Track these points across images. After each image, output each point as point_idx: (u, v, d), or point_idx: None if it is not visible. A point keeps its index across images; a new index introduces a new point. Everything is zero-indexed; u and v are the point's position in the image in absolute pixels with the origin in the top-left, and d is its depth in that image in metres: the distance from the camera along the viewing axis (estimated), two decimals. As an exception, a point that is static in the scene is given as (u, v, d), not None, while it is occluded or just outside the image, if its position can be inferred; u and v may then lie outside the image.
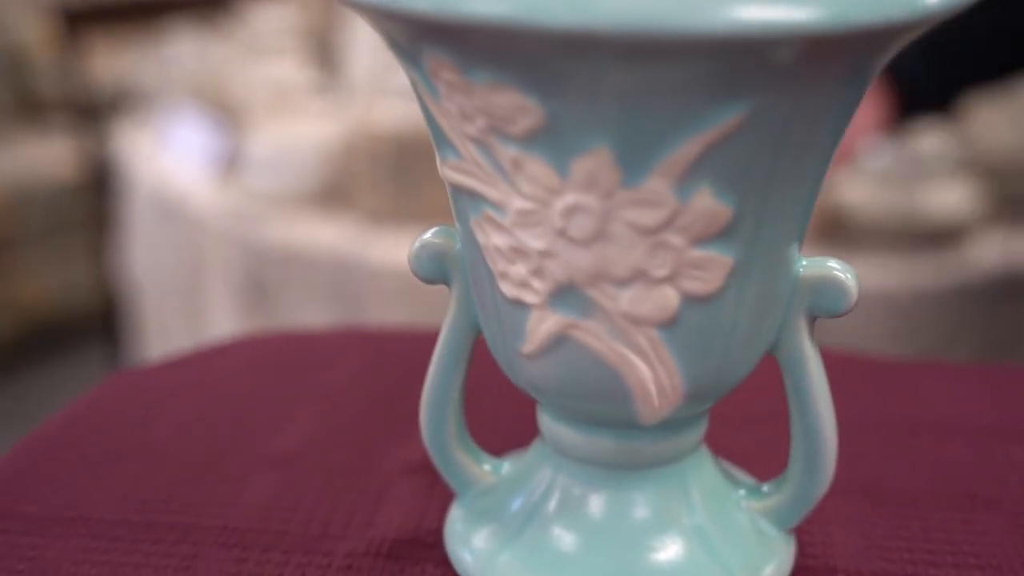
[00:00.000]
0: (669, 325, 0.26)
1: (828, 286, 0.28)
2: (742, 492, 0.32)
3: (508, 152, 0.25)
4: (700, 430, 0.31)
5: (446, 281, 0.31)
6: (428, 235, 0.30)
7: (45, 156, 1.93)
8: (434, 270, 0.30)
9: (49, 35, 2.01)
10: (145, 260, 1.33)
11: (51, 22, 1.90)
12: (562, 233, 0.25)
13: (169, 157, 1.29)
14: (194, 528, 0.34)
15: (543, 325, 0.27)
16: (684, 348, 0.27)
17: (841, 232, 1.01)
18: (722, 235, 0.25)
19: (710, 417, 0.32)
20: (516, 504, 0.32)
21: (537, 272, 0.26)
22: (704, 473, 0.32)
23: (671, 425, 0.30)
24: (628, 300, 0.26)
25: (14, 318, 1.90)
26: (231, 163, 1.21)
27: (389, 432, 0.40)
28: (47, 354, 1.96)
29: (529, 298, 0.27)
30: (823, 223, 1.00)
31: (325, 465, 0.38)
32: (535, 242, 0.26)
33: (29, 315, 1.92)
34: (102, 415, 0.41)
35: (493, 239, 0.27)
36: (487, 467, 0.33)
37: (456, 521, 0.33)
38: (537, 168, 0.25)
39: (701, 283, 0.26)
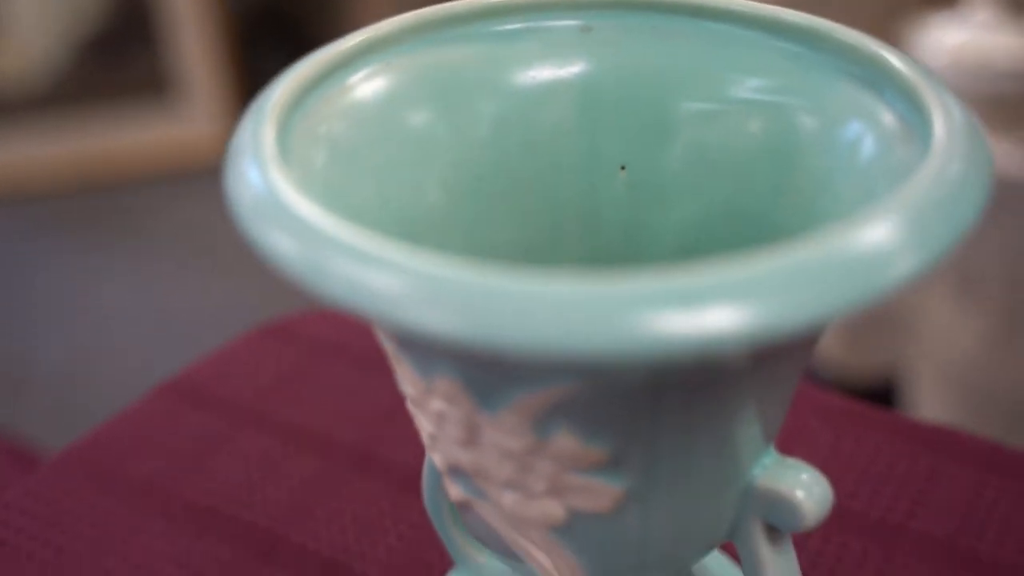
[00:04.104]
0: (561, 530, 0.25)
1: (779, 502, 0.25)
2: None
3: (389, 345, 0.24)
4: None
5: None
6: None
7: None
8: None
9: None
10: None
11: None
12: (440, 427, 0.24)
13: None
14: (230, 522, 0.37)
15: (451, 490, 0.26)
16: (584, 551, 0.25)
17: None
18: (601, 469, 0.23)
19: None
20: (484, 601, 0.32)
21: (434, 446, 0.25)
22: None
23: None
24: (511, 503, 0.24)
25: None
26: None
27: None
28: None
29: (437, 462, 0.26)
30: None
31: (378, 475, 0.39)
32: (425, 424, 0.25)
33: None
34: (232, 372, 0.45)
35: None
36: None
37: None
38: (407, 371, 0.23)
39: (588, 503, 0.24)
